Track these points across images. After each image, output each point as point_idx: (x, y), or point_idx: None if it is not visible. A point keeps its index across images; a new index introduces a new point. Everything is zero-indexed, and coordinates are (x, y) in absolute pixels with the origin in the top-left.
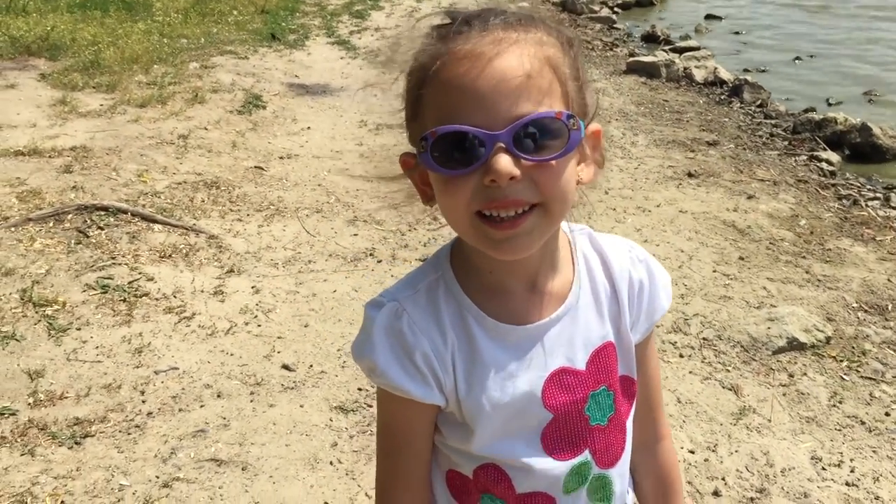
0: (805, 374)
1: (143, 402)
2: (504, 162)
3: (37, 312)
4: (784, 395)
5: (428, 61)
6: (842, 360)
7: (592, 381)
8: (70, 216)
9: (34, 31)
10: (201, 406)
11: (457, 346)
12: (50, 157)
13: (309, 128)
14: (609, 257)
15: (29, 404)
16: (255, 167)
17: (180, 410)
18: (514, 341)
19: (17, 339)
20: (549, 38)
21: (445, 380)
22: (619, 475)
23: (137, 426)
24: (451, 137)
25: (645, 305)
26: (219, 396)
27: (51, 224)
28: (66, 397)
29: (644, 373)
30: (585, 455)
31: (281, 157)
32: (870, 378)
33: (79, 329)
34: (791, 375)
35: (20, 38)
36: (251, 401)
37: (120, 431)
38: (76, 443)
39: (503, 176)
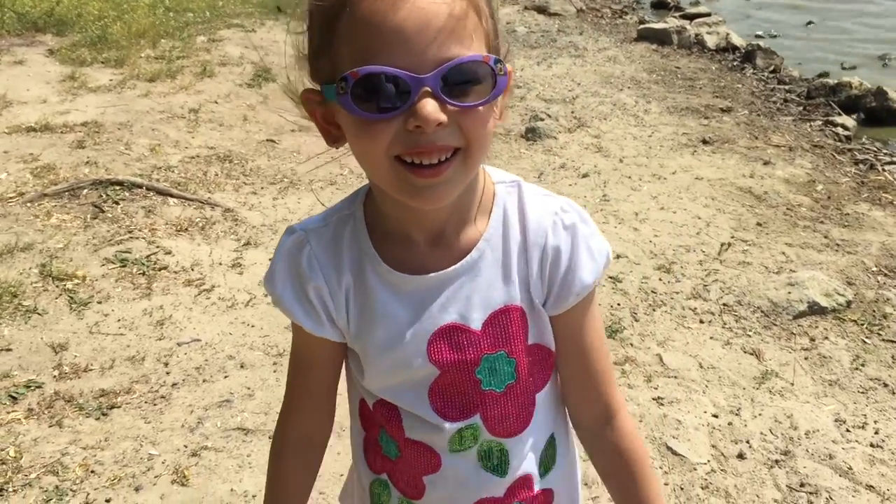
0: (826, 338)
1: (168, 373)
2: (431, 108)
3: (57, 286)
4: (806, 359)
5: None
6: (863, 324)
7: (488, 343)
8: (85, 191)
9: (40, 7)
10: (225, 377)
11: (352, 288)
12: (62, 132)
13: None
14: (529, 217)
15: (54, 377)
16: (268, 140)
17: (204, 381)
18: (407, 291)
19: (39, 314)
20: None
21: (338, 317)
22: (521, 448)
23: (163, 397)
24: (374, 79)
25: (560, 276)
26: (242, 367)
27: (66, 199)
28: (90, 370)
29: (578, 345)
30: (475, 419)
31: (292, 130)
32: (891, 341)
33: (100, 302)
34: (812, 339)
35: (26, 14)
36: (274, 371)
37: (146, 402)
38: (103, 414)
39: (430, 122)
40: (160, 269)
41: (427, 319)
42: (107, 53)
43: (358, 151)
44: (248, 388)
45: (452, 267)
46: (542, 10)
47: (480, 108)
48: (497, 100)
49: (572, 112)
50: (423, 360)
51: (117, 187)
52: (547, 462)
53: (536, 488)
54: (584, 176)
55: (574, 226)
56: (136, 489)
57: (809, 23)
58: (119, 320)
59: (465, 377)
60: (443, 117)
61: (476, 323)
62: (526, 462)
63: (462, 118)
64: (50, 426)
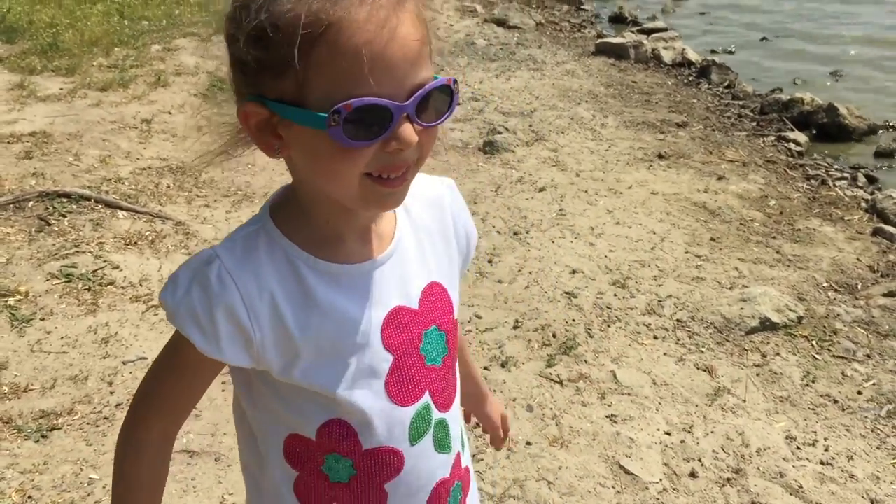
0: (778, 353)
1: (112, 393)
2: (409, 132)
3: None
4: (758, 375)
5: (313, 20)
6: (813, 340)
7: (425, 319)
8: (31, 203)
9: None
10: None
11: (281, 294)
12: (9, 142)
13: None
14: (428, 195)
15: None
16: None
17: None
18: (347, 281)
19: None
20: None
21: (255, 333)
22: (454, 419)
23: (106, 418)
24: (366, 110)
25: (468, 243)
26: None
27: (11, 212)
28: (31, 389)
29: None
30: (426, 398)
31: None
32: (841, 357)
33: (43, 319)
34: (764, 356)
35: None
36: (223, 391)
37: (88, 424)
38: (43, 436)
39: (410, 145)
40: (107, 285)
41: (374, 306)
42: (58, 62)
43: (329, 171)
44: (195, 409)
45: (384, 252)
46: (501, 22)
47: (441, 124)
48: None
49: (530, 125)
50: (378, 346)
51: (64, 199)
52: (462, 439)
53: (463, 465)
54: (542, 190)
55: (454, 188)
56: None
57: (763, 39)
58: (62, 338)
59: (413, 356)
60: (416, 139)
61: (414, 302)
62: (455, 440)
63: (424, 136)
64: None
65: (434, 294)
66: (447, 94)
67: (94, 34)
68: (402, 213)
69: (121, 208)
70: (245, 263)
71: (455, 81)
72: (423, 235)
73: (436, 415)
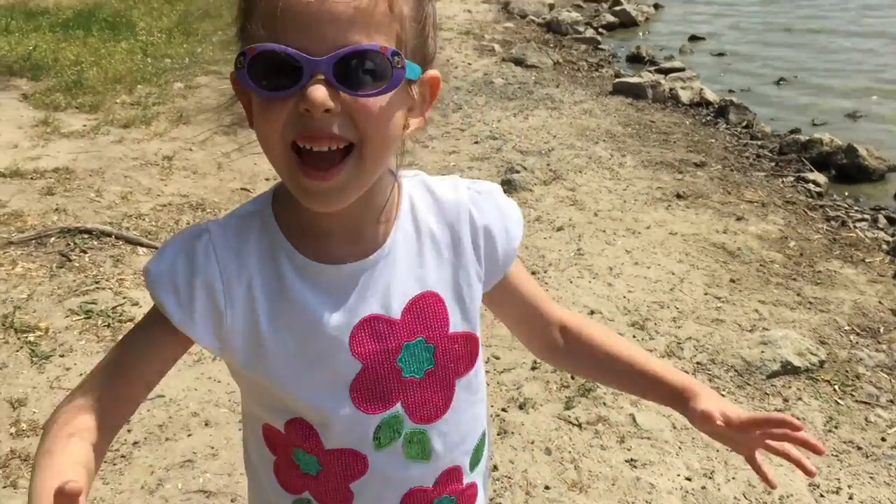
0: (800, 398)
1: (129, 431)
2: (319, 92)
3: (18, 339)
4: None
5: None
6: (836, 384)
7: (407, 330)
8: (52, 239)
9: (16, 51)
10: (189, 435)
11: (259, 283)
12: (32, 178)
13: None
14: (443, 200)
15: (11, 434)
16: (241, 189)
17: (167, 440)
18: (325, 282)
19: None
20: None
21: (227, 314)
22: (440, 433)
23: (123, 456)
24: (270, 56)
25: (499, 250)
26: (206, 425)
27: (32, 247)
28: None
29: (521, 296)
30: (397, 408)
31: (267, 179)
32: (864, 402)
33: (62, 356)
34: (786, 400)
35: (2, 57)
36: (240, 429)
37: (105, 462)
38: None
39: (317, 106)
40: (126, 321)
41: (348, 311)
42: (81, 98)
43: (259, 134)
44: (212, 448)
45: (370, 257)
46: (519, 62)
47: (373, 99)
48: (410, 99)
49: (548, 164)
50: (347, 353)
51: (86, 235)
52: (477, 456)
53: (465, 481)
54: (559, 229)
55: (490, 193)
56: None
57: (781, 80)
58: (81, 374)
59: (388, 367)
60: (330, 103)
61: (396, 312)
62: (456, 452)
63: (355, 110)
64: (4, 487)
65: (426, 305)
66: (385, 66)
67: (117, 72)
68: (406, 216)
69: (141, 244)
70: (232, 245)
71: (395, 53)
72: (427, 242)
73: (409, 425)
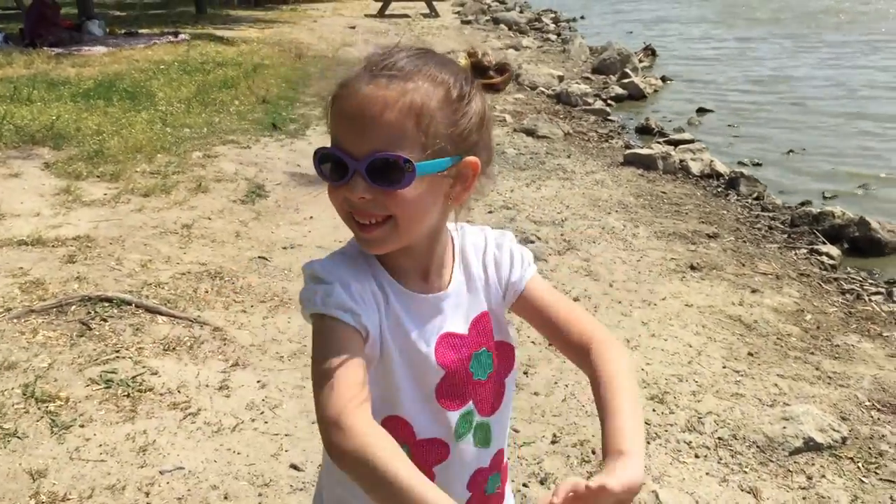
0: (824, 476)
1: (149, 503)
2: (355, 192)
3: (39, 409)
4: (804, 499)
5: (338, 90)
6: (859, 462)
7: (474, 343)
8: (73, 307)
9: (39, 120)
10: None
11: (379, 297)
12: (53, 246)
13: (311, 217)
14: (477, 246)
15: None
16: (259, 257)
17: None
18: (415, 307)
19: (18, 437)
20: (426, 86)
21: (367, 319)
22: (498, 423)
23: None
24: (329, 155)
25: (505, 270)
26: (226, 498)
27: (53, 316)
28: (69, 499)
29: (546, 309)
30: (470, 405)
31: (284, 248)
32: (889, 480)
33: (82, 426)
34: (809, 478)
35: (24, 126)
36: (259, 503)
37: None
38: None
39: (354, 202)
40: (145, 391)
41: (430, 330)
42: (103, 167)
43: (332, 203)
44: None
45: (442, 291)
46: (530, 132)
47: (397, 191)
48: (445, 181)
49: (562, 234)
50: (433, 362)
51: (106, 304)
52: (506, 440)
53: (505, 460)
54: (575, 300)
55: (497, 238)
56: None
57: (790, 151)
58: (100, 445)
59: (463, 372)
60: (361, 195)
61: (463, 328)
62: (502, 437)
63: (384, 197)
64: None
65: (483, 322)
66: (399, 169)
67: (137, 141)
68: (458, 258)
69: (160, 313)
70: (353, 270)
71: (406, 161)
72: (474, 273)
73: (477, 418)
